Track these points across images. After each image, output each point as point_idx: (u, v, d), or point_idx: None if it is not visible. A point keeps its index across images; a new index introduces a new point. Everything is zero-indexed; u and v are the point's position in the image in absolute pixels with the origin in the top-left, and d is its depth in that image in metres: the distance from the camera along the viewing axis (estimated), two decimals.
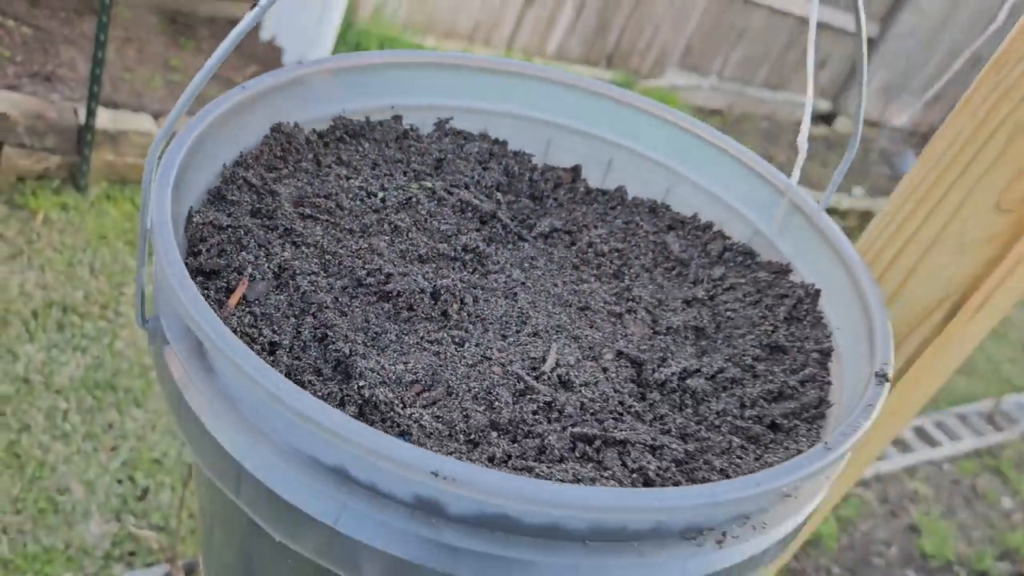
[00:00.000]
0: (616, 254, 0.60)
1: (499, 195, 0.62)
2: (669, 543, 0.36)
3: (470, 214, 0.59)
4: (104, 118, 2.72)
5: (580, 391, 0.45)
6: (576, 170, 0.67)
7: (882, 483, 2.83)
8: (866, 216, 5.33)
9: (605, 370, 0.48)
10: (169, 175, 0.43)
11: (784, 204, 0.58)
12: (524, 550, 0.35)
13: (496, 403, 0.43)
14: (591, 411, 0.44)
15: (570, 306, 0.54)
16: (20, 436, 1.82)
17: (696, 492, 0.34)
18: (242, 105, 0.53)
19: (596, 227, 0.62)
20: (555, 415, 0.43)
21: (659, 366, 0.49)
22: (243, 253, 0.47)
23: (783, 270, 0.57)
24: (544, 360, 0.47)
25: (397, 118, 0.64)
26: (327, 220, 0.53)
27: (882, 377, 0.43)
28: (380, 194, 0.57)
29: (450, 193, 0.59)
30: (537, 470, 0.38)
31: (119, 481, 1.80)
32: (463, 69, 0.65)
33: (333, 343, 0.44)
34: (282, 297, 0.46)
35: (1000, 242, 0.63)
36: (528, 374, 0.46)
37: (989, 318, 0.68)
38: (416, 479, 0.33)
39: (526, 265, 0.57)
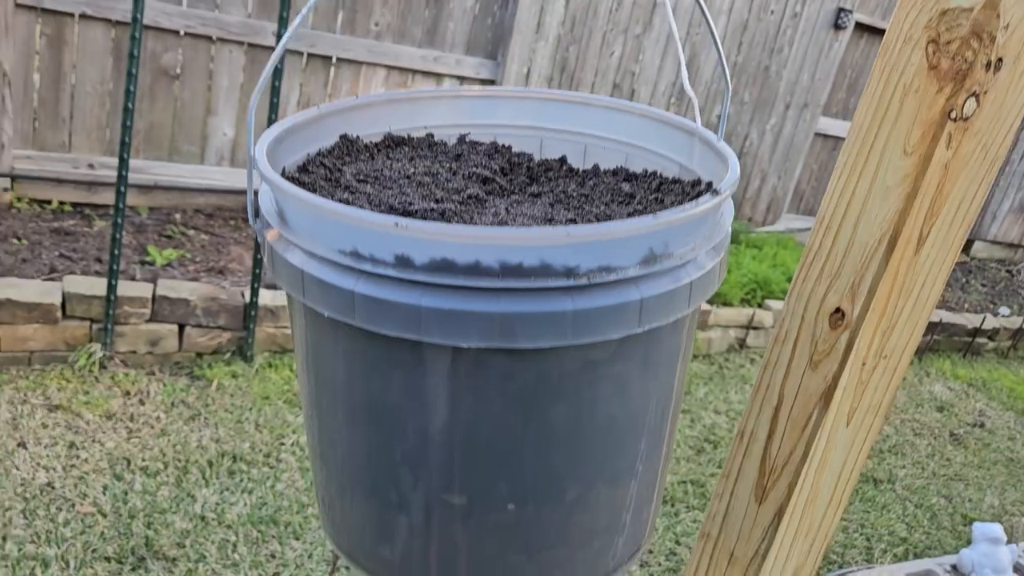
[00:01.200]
0: (583, 197, 0.83)
1: (501, 174, 0.88)
2: (553, 279, 0.58)
3: (476, 179, 0.85)
4: (265, 297, 3.24)
5: None
6: (563, 159, 0.93)
7: None
8: (1017, 334, 5.16)
9: None
10: (269, 133, 0.72)
11: (696, 141, 0.81)
12: (460, 279, 0.57)
13: None
14: None
15: (538, 218, 0.77)
16: (197, 565, 2.15)
17: (554, 232, 0.57)
18: (319, 118, 0.82)
19: (572, 186, 0.86)
20: None
21: None
22: (316, 193, 0.75)
23: (697, 181, 0.79)
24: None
25: (430, 135, 0.92)
26: (374, 181, 0.80)
27: (715, 192, 0.64)
28: (412, 169, 0.84)
29: (463, 169, 0.86)
30: None
31: None
32: (476, 98, 0.93)
33: None
34: None
35: (910, 180, 0.82)
36: None
37: (936, 251, 0.85)
38: (390, 234, 0.57)
39: (514, 204, 0.82)
